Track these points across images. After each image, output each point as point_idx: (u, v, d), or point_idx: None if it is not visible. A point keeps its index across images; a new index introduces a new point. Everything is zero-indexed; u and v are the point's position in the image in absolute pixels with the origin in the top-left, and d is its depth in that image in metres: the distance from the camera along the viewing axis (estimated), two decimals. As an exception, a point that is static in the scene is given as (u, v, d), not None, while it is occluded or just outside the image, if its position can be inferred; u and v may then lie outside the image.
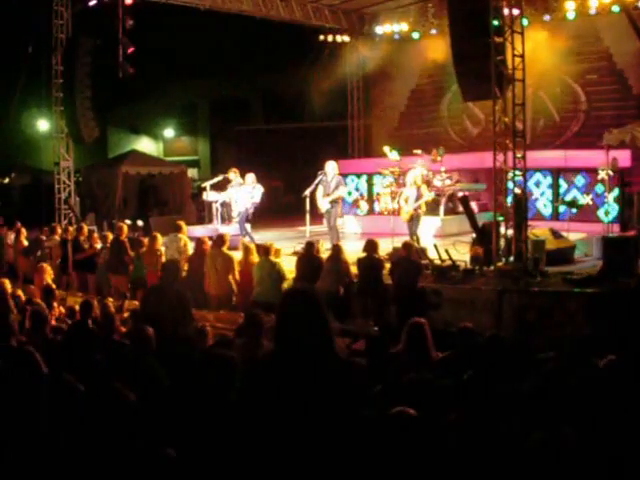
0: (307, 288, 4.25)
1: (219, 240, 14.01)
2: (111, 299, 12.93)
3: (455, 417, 4.85)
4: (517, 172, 14.15)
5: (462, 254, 14.62)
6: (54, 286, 13.25)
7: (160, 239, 14.90)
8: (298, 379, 3.87)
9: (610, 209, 17.41)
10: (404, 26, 25.08)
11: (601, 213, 18.14)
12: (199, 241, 14.71)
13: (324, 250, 15.16)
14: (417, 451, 4.06)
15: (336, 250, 13.47)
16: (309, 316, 3.94)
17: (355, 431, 3.91)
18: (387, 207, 20.04)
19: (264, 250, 13.68)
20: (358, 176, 23.88)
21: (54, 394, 5.40)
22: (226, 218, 19.36)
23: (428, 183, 18.13)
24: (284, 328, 4.01)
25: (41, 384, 5.52)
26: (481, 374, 5.84)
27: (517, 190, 14.19)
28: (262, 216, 18.65)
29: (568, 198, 19.13)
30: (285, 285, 13.12)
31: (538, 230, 14.94)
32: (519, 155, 14.19)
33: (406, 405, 4.35)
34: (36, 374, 5.81)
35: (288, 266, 13.94)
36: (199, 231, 19.17)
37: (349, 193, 22.81)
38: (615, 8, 20.49)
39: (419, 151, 20.78)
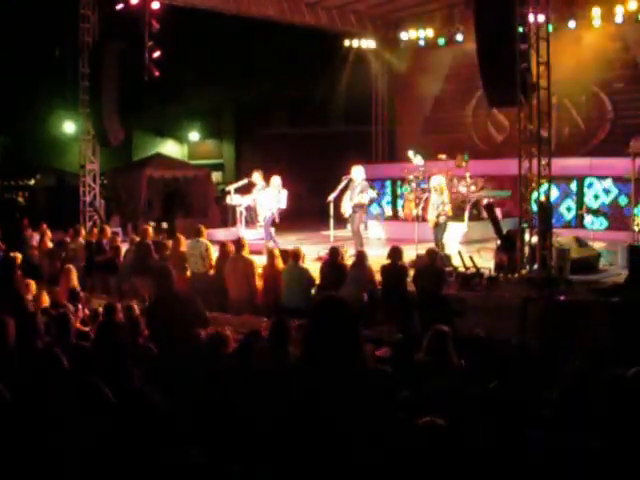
0: (338, 297, 4.24)
1: (238, 244, 14.01)
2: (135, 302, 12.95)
3: (483, 426, 4.84)
4: (542, 179, 14.13)
5: (486, 261, 14.57)
6: (79, 288, 13.31)
7: (184, 242, 14.93)
8: (327, 387, 3.87)
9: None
10: (429, 32, 25.10)
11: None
12: (223, 245, 14.71)
13: (348, 256, 15.13)
14: (447, 461, 4.04)
15: (360, 257, 13.43)
16: (340, 325, 3.93)
17: (384, 438, 3.90)
18: (411, 213, 20.02)
19: (293, 255, 13.62)
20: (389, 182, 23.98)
21: (80, 397, 5.43)
22: (250, 222, 19.33)
23: (450, 189, 18.06)
24: (315, 336, 4.00)
25: (66, 386, 5.55)
26: (507, 383, 5.82)
27: (542, 197, 14.16)
28: (285, 220, 18.62)
29: (593, 206, 19.06)
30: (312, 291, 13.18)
31: (563, 238, 14.87)
32: (544, 162, 14.18)
33: (434, 413, 4.33)
34: (61, 376, 5.85)
35: (312, 271, 13.94)
36: (223, 234, 19.21)
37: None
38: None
39: (444, 156, 20.76)
